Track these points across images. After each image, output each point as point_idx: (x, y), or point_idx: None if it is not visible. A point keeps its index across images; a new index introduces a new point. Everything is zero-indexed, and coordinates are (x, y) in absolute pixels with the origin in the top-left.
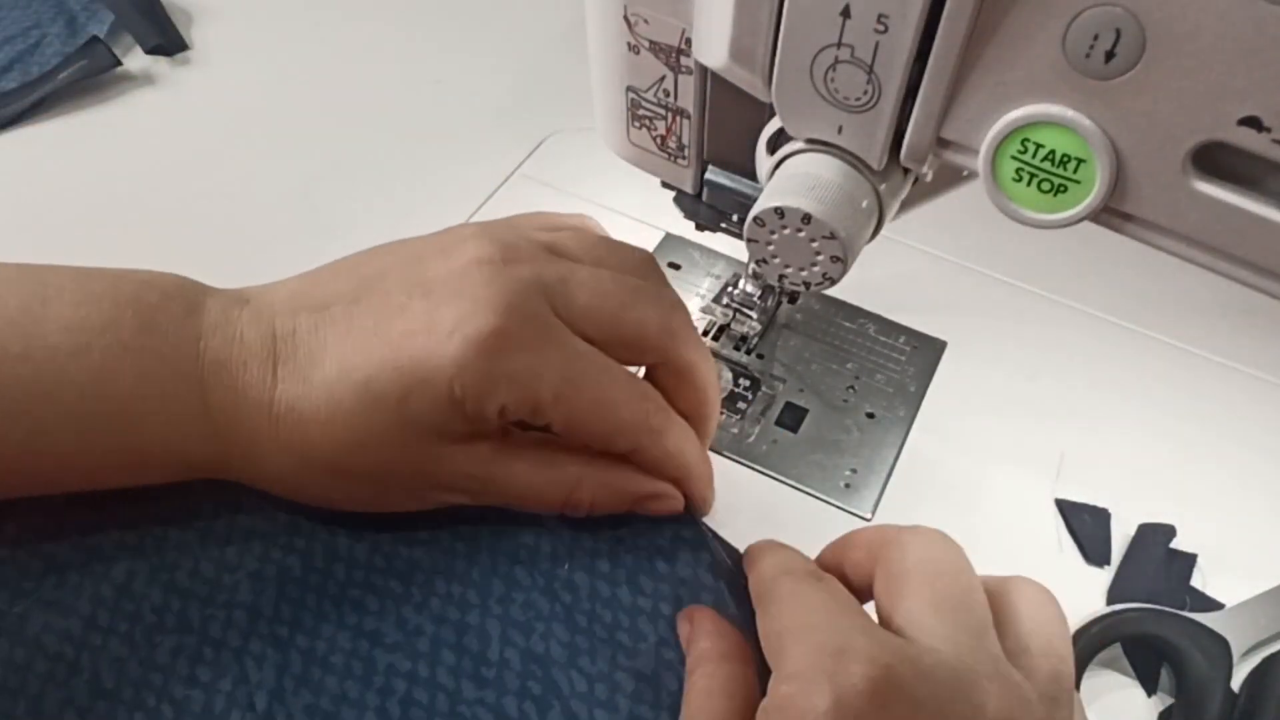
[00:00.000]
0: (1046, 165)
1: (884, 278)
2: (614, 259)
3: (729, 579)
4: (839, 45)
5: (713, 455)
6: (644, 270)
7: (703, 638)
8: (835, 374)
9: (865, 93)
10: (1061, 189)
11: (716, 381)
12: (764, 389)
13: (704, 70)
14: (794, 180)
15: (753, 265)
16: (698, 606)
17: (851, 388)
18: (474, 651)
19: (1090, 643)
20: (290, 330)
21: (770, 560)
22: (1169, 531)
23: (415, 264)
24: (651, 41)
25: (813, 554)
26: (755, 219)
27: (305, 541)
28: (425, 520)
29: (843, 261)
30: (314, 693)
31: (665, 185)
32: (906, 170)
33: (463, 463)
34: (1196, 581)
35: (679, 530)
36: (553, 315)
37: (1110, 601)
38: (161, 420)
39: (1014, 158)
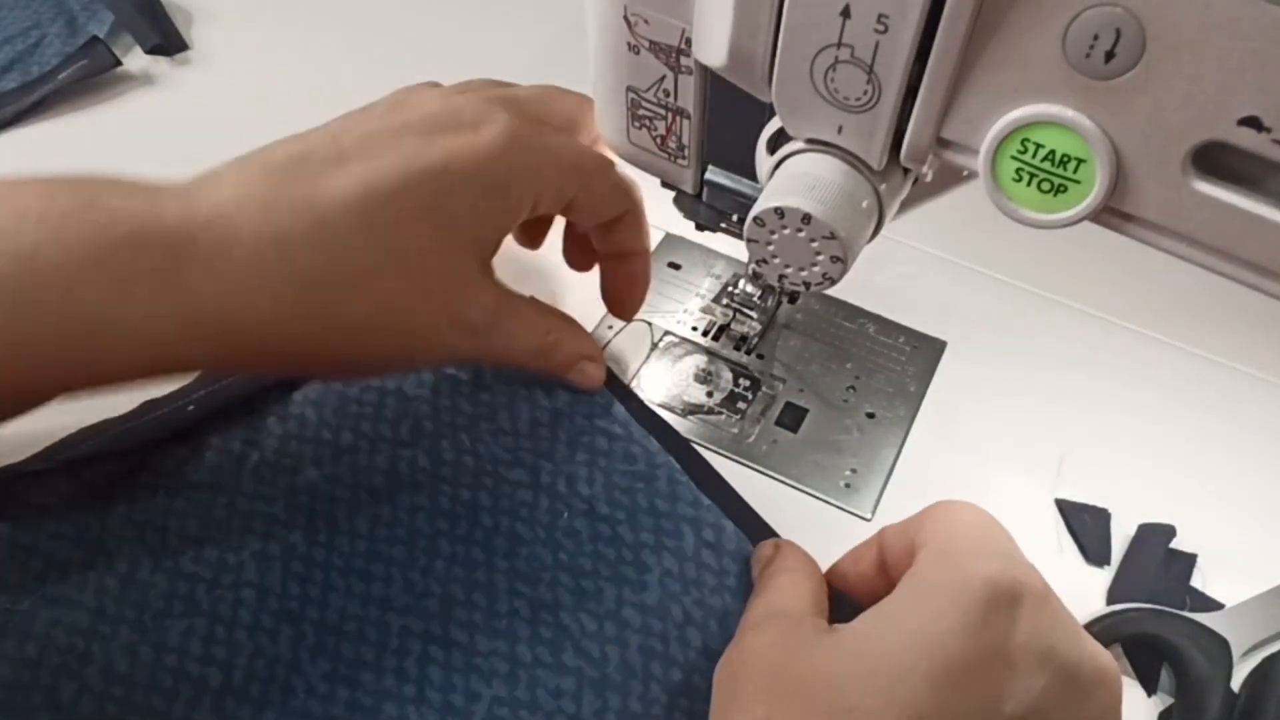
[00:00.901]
0: (1046, 165)
1: (884, 278)
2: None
3: (730, 514)
4: (839, 45)
5: (713, 455)
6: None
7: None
8: (835, 374)
9: (865, 93)
10: (1061, 189)
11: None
12: (764, 389)
13: (704, 70)
14: (794, 180)
15: (753, 265)
16: (779, 542)
17: (851, 388)
18: (483, 606)
19: None
20: (300, 153)
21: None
22: (1169, 531)
23: (395, 111)
24: (651, 41)
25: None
26: (755, 219)
27: (306, 518)
28: (424, 488)
29: (843, 261)
30: (330, 660)
31: (665, 185)
32: (906, 170)
33: (482, 296)
34: (1196, 581)
35: (674, 475)
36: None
37: (1110, 601)
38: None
39: (1014, 158)
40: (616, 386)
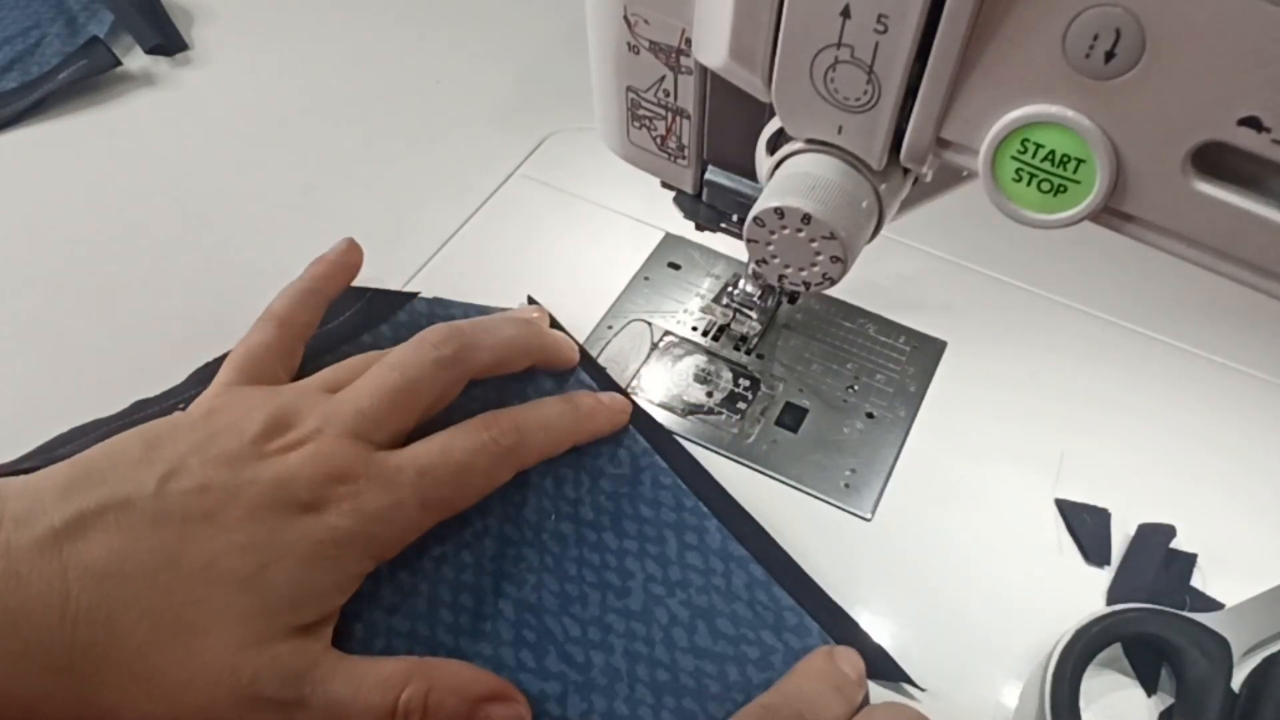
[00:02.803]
0: (1046, 165)
1: (884, 278)
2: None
3: (715, 516)
4: (839, 45)
5: (713, 455)
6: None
7: None
8: (835, 374)
9: (865, 93)
10: (1061, 189)
11: (512, 329)
12: (764, 389)
13: (704, 70)
14: (794, 180)
15: (753, 265)
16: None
17: (851, 388)
18: (469, 609)
19: (1090, 643)
20: (81, 539)
21: None
22: (1169, 531)
23: (221, 465)
24: (651, 41)
25: (813, 554)
26: (755, 219)
27: None
28: None
29: (843, 261)
30: None
31: (665, 185)
32: (906, 170)
33: (283, 660)
34: (1196, 581)
35: (658, 478)
36: (374, 455)
37: (1110, 601)
38: None
39: (1014, 158)
40: (607, 385)
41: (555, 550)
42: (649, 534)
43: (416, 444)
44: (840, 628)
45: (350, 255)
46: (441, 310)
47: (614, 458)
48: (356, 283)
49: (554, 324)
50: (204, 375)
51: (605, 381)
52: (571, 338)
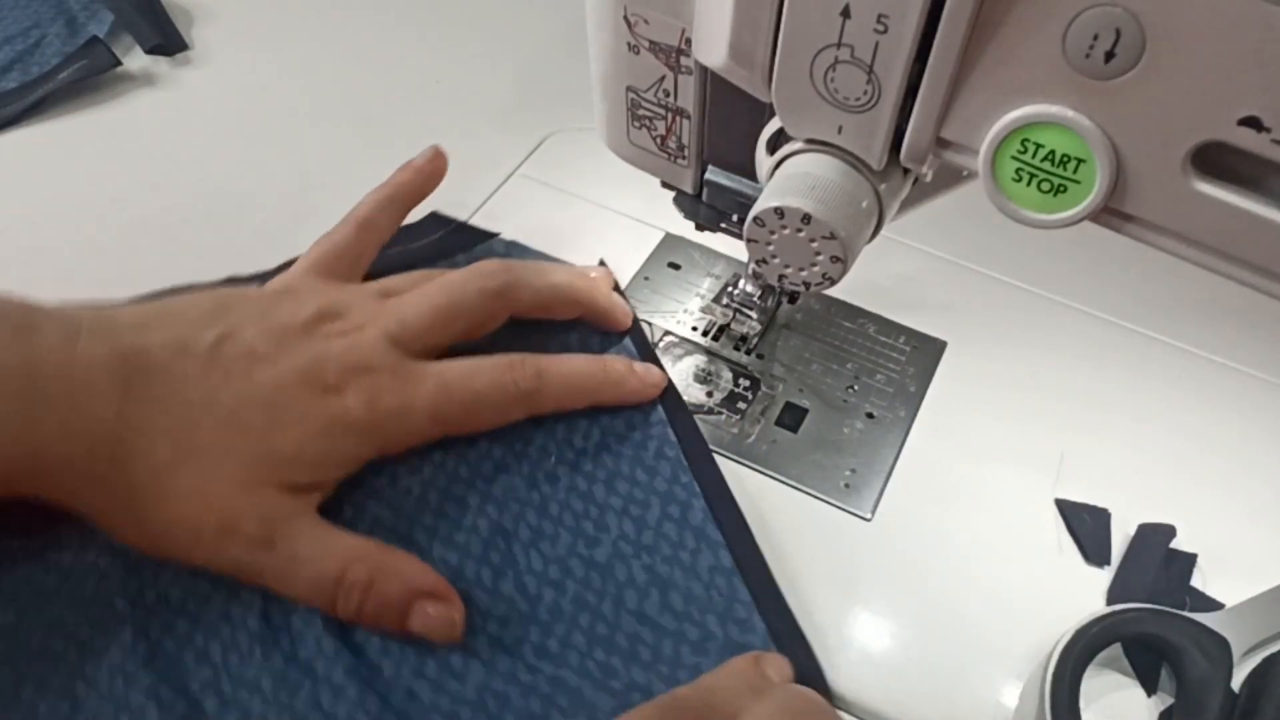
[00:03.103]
0: (1046, 165)
1: (884, 278)
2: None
3: (705, 494)
4: (839, 45)
5: (713, 455)
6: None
7: None
8: (835, 374)
9: (865, 93)
10: (1061, 189)
11: (564, 276)
12: (764, 389)
13: (704, 70)
14: (794, 180)
15: (753, 265)
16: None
17: (851, 388)
18: (450, 517)
19: (1090, 643)
20: (143, 364)
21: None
22: (1169, 531)
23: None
24: (651, 41)
25: (813, 554)
26: (755, 219)
27: None
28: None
29: (843, 261)
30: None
31: (665, 185)
32: (906, 170)
33: (263, 506)
34: (1196, 581)
35: (663, 448)
36: (406, 361)
37: (1110, 601)
38: None
39: (1014, 158)
40: (650, 358)
41: (544, 489)
42: (636, 496)
43: (446, 361)
44: (789, 637)
45: (435, 163)
46: (517, 253)
47: (630, 420)
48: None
49: (617, 289)
50: (289, 265)
51: (649, 355)
52: (630, 306)
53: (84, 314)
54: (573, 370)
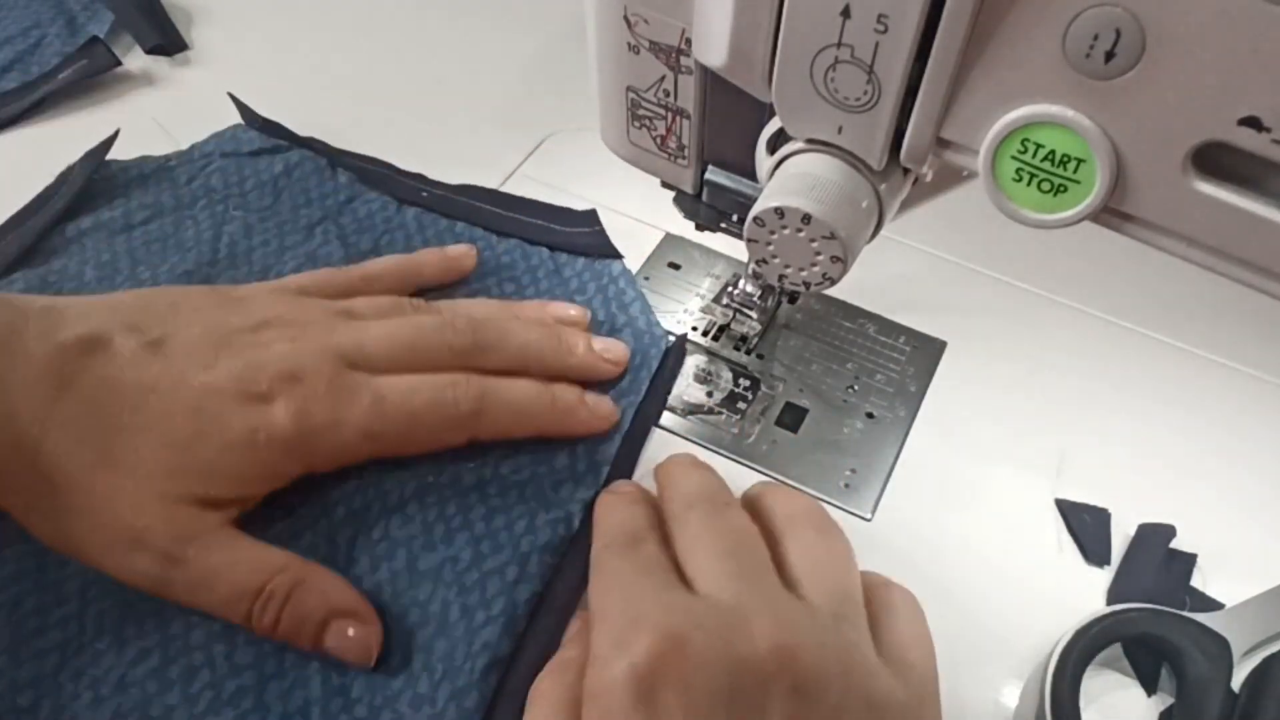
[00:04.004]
0: (1046, 165)
1: (884, 278)
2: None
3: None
4: (839, 45)
5: (713, 455)
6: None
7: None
8: (835, 374)
9: (865, 93)
10: (1061, 189)
11: (535, 335)
12: (764, 389)
13: (704, 70)
14: (794, 180)
15: (753, 265)
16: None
17: (851, 388)
18: (373, 539)
19: (1090, 643)
20: (81, 360)
21: (601, 527)
22: (1169, 531)
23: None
24: (651, 41)
25: None
26: (755, 219)
27: None
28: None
29: (843, 261)
30: None
31: (665, 185)
32: (906, 170)
33: (175, 521)
34: (1196, 581)
35: (579, 492)
36: (345, 372)
37: (1110, 601)
38: None
39: (1014, 158)
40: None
41: (444, 508)
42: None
43: (388, 376)
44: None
45: (464, 261)
46: (615, 283)
47: (571, 453)
48: None
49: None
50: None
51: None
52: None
53: (34, 304)
54: (518, 396)
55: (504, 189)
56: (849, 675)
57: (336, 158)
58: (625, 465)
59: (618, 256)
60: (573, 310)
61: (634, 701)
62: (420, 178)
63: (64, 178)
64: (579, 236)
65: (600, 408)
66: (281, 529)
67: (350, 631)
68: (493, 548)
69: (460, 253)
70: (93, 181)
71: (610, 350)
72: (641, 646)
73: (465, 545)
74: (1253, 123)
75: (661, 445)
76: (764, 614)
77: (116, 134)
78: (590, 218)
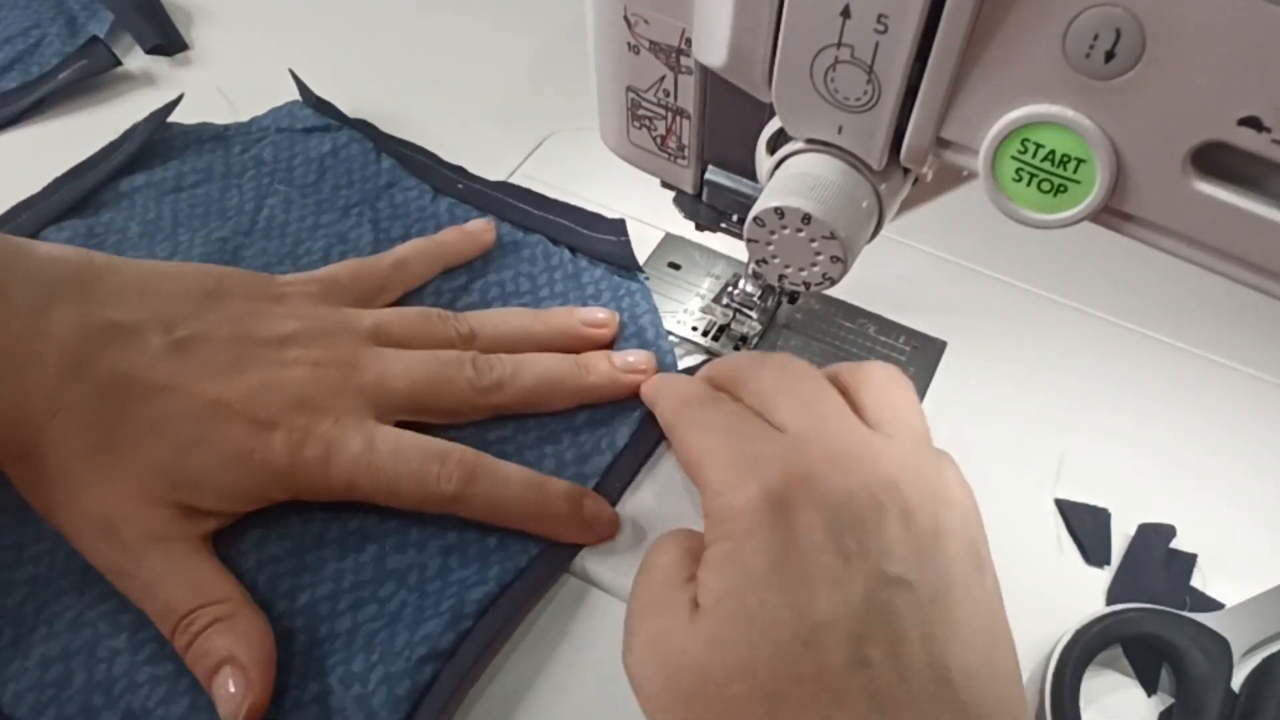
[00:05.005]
0: (1046, 165)
1: (884, 278)
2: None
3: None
4: (839, 45)
5: None
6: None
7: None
8: None
9: (865, 93)
10: (1061, 189)
11: (554, 363)
12: None
13: (704, 70)
14: (794, 180)
15: (753, 265)
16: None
17: None
18: (328, 576)
19: (1090, 643)
20: (103, 344)
21: (667, 393)
22: (1169, 531)
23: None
24: (651, 41)
25: None
26: (755, 219)
27: None
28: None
29: (843, 261)
30: None
31: (665, 185)
32: (906, 170)
33: (145, 521)
34: (1196, 581)
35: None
36: (350, 415)
37: (1110, 601)
38: None
39: (1014, 158)
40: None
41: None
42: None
43: (395, 430)
44: None
45: (485, 235)
46: (631, 302)
47: (559, 472)
48: None
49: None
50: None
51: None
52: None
53: (67, 276)
54: (507, 491)
55: None
56: (936, 501)
57: (383, 143)
58: (617, 483)
59: (639, 269)
60: (600, 314)
61: (773, 520)
62: (461, 170)
63: (127, 135)
64: (603, 244)
65: (601, 513)
66: (262, 512)
67: (231, 686)
68: (461, 561)
69: (479, 228)
70: (153, 142)
71: (634, 364)
72: (773, 473)
73: (435, 554)
74: (1253, 123)
75: (662, 452)
76: (864, 451)
77: (180, 97)
78: (618, 226)
